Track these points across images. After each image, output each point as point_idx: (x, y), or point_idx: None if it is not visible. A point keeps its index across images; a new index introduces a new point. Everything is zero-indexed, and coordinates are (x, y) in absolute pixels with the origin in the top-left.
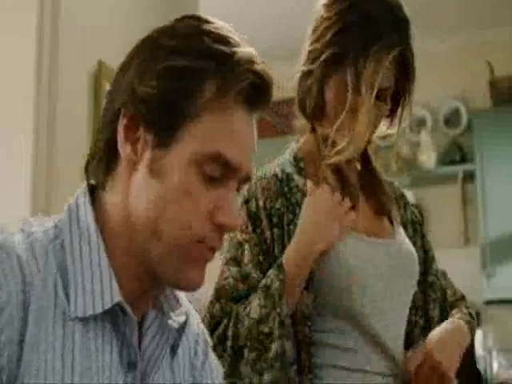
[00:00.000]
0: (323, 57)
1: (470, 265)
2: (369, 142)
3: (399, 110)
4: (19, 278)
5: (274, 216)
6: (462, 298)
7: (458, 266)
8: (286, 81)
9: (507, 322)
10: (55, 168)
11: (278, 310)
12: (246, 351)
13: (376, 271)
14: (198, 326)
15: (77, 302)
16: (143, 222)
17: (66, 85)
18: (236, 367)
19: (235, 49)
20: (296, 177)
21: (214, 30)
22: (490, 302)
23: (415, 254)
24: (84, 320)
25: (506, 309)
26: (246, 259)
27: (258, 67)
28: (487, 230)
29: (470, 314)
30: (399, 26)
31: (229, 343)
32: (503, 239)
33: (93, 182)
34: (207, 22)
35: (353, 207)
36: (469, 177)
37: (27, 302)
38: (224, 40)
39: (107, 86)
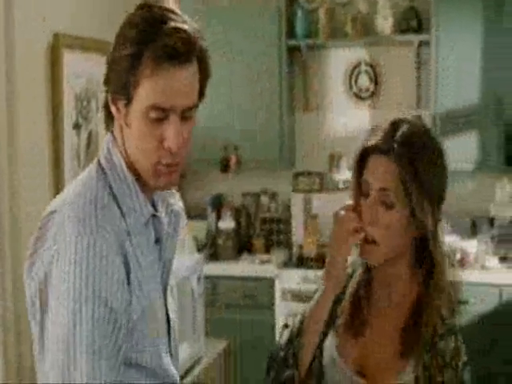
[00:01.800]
0: None
1: None
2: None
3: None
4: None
5: None
6: None
7: None
8: None
9: (454, 188)
10: (16, 135)
11: None
12: None
13: None
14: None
15: (130, 221)
16: (131, 157)
17: (24, 59)
18: None
19: (162, 27)
20: None
21: (153, 15)
22: None
23: None
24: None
25: (454, 174)
26: None
27: (170, 38)
28: (439, 101)
29: None
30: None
31: None
32: (453, 111)
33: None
34: (151, 8)
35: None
36: (425, 43)
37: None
38: (159, 22)
39: (65, 55)
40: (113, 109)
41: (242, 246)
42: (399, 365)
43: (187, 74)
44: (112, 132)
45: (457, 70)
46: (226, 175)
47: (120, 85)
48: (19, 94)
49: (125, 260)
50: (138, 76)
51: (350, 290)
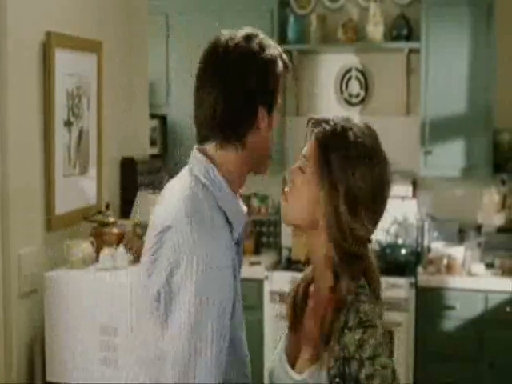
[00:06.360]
0: None
1: (411, 134)
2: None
3: None
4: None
5: None
6: None
7: (399, 133)
8: None
9: (442, 194)
10: (7, 131)
11: None
12: None
13: None
14: None
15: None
16: (248, 165)
17: (16, 56)
18: None
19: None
20: None
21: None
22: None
23: None
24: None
25: (443, 181)
26: None
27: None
28: (428, 107)
29: None
30: None
31: None
32: (442, 118)
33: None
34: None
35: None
36: (415, 50)
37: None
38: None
39: (57, 53)
40: (262, 124)
41: None
42: (319, 355)
43: None
44: (209, 159)
45: (446, 78)
46: None
47: (273, 94)
48: (11, 91)
49: (233, 266)
50: (278, 77)
51: (291, 293)
